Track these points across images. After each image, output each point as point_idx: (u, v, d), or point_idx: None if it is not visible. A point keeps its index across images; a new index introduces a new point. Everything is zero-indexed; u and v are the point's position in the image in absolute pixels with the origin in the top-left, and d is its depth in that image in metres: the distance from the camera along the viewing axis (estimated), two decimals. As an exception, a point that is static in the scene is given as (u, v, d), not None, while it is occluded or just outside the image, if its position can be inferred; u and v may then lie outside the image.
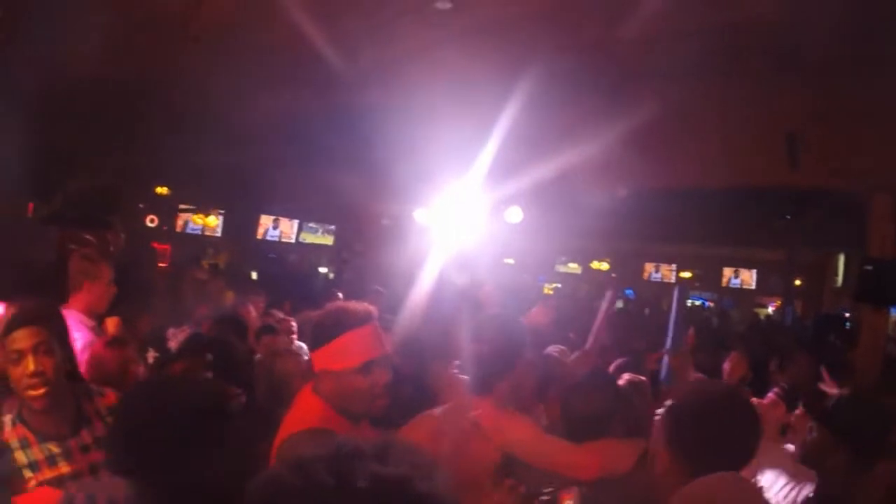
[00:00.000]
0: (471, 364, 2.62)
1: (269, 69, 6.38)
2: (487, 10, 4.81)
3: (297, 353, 3.86)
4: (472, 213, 6.92)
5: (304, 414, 2.25)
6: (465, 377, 3.08)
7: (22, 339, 2.35)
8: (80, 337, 3.41)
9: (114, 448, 1.68)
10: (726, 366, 4.48)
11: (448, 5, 4.56)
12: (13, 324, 2.37)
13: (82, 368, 2.91)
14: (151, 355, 2.56)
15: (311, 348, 2.32)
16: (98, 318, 3.95)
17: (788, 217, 11.50)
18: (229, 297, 6.42)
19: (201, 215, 15.15)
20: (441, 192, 6.79)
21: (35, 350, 2.35)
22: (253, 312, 5.82)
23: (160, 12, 5.17)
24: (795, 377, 4.60)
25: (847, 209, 8.15)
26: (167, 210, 14.82)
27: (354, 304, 2.34)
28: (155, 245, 13.77)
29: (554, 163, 6.46)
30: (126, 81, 6.86)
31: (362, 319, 2.26)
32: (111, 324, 3.92)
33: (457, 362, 3.25)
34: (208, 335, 3.31)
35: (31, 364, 2.32)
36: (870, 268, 5.31)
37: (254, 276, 11.92)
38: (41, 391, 2.33)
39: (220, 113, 7.63)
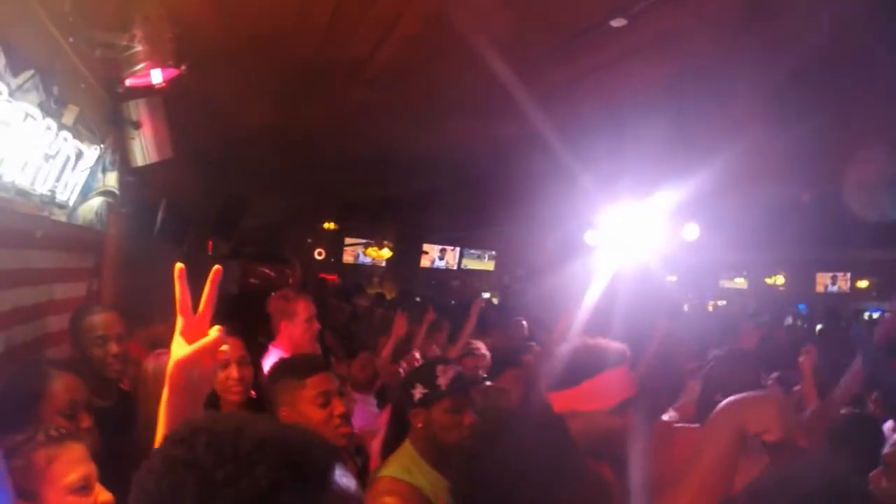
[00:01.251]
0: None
1: (438, 105, 6.52)
2: (661, 22, 4.71)
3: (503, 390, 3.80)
4: (646, 231, 6.77)
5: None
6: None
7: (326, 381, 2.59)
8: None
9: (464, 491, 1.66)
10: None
11: (623, 22, 4.52)
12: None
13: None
14: (419, 391, 2.61)
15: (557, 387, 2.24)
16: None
17: None
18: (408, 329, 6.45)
19: (375, 248, 15.78)
20: (614, 212, 6.70)
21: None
22: (436, 350, 5.80)
23: (336, 59, 5.40)
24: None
25: None
26: (335, 243, 15.57)
27: (606, 343, 2.28)
28: (323, 276, 14.42)
29: (729, 172, 6.22)
30: (298, 126, 7.22)
31: (617, 360, 2.21)
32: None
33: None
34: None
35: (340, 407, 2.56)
36: None
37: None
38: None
39: (388, 150, 7.91)
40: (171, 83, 3.69)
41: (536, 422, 1.90)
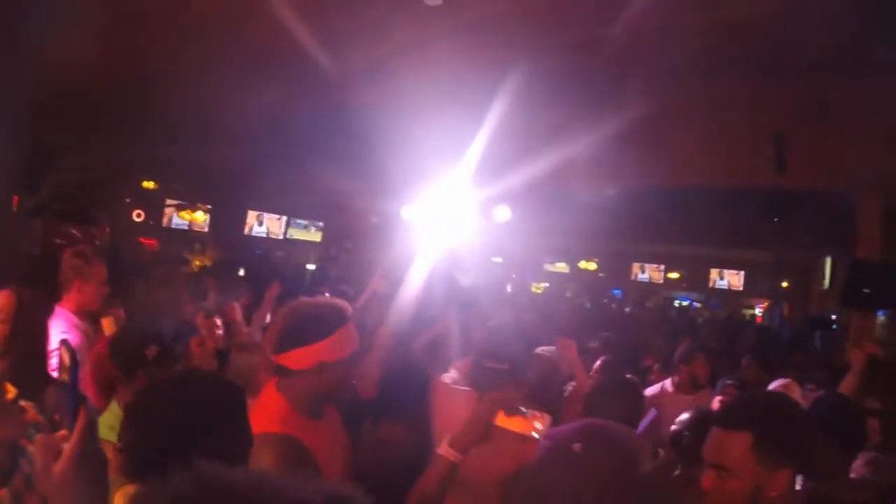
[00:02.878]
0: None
1: (259, 66, 6.33)
2: (477, 7, 4.77)
3: (261, 347, 3.83)
4: (460, 211, 6.87)
5: (266, 413, 2.24)
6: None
7: None
8: (70, 339, 3.37)
9: (130, 450, 1.64)
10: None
11: (438, 2, 4.53)
12: None
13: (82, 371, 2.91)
14: (152, 351, 2.55)
15: (292, 344, 2.27)
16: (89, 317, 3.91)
17: (776, 219, 11.52)
18: (212, 295, 6.33)
19: (188, 210, 15.08)
20: (429, 190, 6.73)
21: None
22: (238, 311, 5.76)
23: (149, 5, 5.10)
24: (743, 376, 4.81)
25: (834, 212, 8.18)
26: (155, 205, 14.76)
27: (331, 300, 2.40)
28: (142, 240, 13.68)
29: (542, 161, 6.45)
30: (114, 76, 6.79)
31: (350, 316, 2.31)
32: (108, 323, 3.87)
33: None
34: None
35: None
36: (856, 270, 5.30)
37: (241, 272, 11.82)
38: None
39: (209, 109, 7.57)
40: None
41: (204, 376, 1.93)
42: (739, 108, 6.72)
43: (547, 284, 20.17)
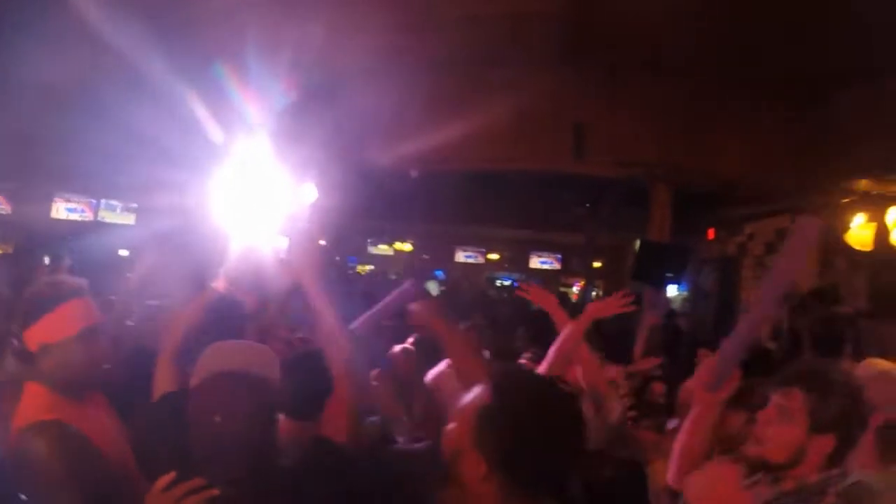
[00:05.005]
0: None
1: (57, 28, 5.79)
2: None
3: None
4: (267, 188, 6.64)
5: (27, 406, 2.15)
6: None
7: None
8: None
9: None
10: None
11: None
12: None
13: None
14: None
15: (24, 326, 2.22)
16: None
17: (588, 204, 12.16)
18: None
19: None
20: (233, 165, 6.44)
21: None
22: None
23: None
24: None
25: (638, 197, 8.72)
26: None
27: (61, 279, 2.35)
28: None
29: (351, 140, 6.43)
30: None
31: (74, 292, 2.26)
32: None
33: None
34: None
35: None
36: (643, 250, 5.68)
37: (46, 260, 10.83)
38: None
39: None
40: None
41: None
42: (544, 97, 6.99)
43: (372, 267, 20.21)
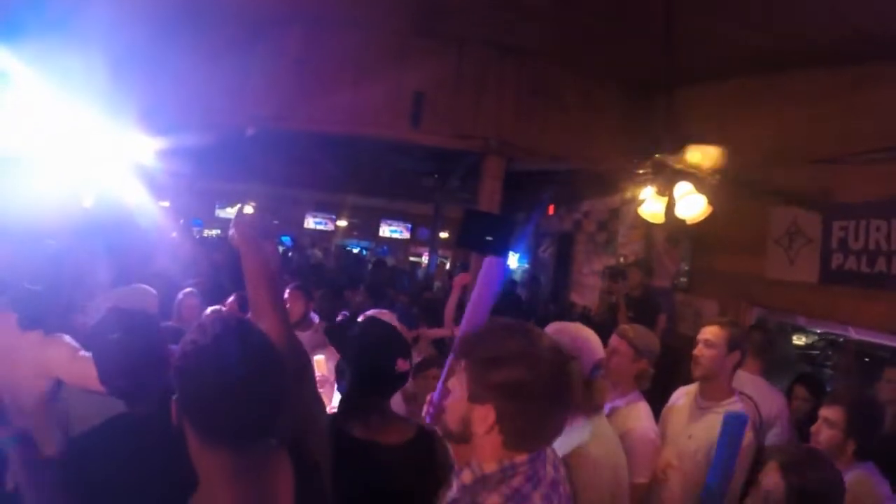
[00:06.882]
0: None
1: None
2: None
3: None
4: (99, 144, 6.44)
5: None
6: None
7: None
8: None
9: None
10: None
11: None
12: None
13: None
14: None
15: None
16: None
17: (436, 175, 12.43)
18: None
19: None
20: (64, 121, 6.19)
21: None
22: None
23: None
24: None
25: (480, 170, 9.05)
26: None
27: None
28: None
29: (185, 94, 6.35)
30: None
31: None
32: None
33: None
34: None
35: None
36: (467, 218, 5.97)
37: None
38: None
39: None
40: None
41: None
42: (386, 64, 7.16)
43: (218, 231, 19.67)
